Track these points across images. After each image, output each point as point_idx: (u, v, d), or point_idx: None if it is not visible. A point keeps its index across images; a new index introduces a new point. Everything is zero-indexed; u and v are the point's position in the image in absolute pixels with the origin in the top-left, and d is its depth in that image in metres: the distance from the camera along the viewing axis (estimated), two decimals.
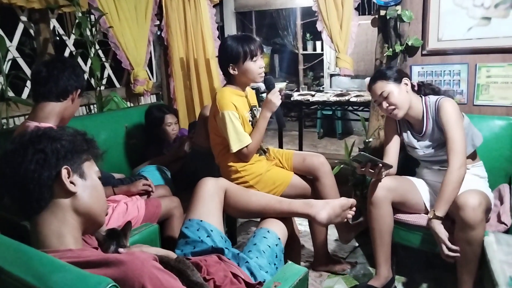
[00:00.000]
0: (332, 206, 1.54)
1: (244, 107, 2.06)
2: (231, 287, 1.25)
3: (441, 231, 1.73)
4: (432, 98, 1.95)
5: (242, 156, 2.02)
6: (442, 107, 1.87)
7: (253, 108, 2.14)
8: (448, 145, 1.82)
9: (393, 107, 1.91)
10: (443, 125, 1.85)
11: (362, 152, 1.85)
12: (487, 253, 1.57)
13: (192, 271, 1.10)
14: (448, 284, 2.04)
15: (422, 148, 1.99)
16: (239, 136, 1.96)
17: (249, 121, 2.07)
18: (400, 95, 1.91)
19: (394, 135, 2.08)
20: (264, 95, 3.49)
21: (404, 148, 2.11)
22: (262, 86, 3.54)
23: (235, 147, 1.97)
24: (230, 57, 1.99)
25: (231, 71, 2.01)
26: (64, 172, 0.96)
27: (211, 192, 1.56)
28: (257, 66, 2.00)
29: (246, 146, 1.99)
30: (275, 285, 1.12)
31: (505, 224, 1.82)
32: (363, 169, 1.86)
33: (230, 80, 2.08)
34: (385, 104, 1.93)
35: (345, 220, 1.63)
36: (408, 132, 2.05)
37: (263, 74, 2.05)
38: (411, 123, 2.03)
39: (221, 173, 2.13)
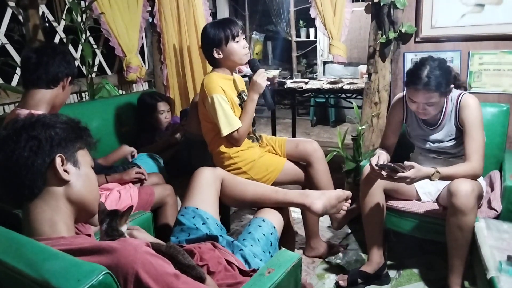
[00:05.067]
0: (328, 197, 1.54)
1: (232, 90, 2.06)
2: (225, 274, 1.25)
3: (423, 174, 1.71)
4: (454, 93, 1.88)
5: (233, 140, 2.02)
6: (468, 105, 1.82)
7: (242, 93, 2.14)
8: (469, 144, 1.79)
9: (428, 112, 1.84)
10: (465, 123, 1.82)
11: (392, 164, 1.74)
12: (477, 239, 1.59)
13: (183, 255, 1.11)
14: (439, 269, 2.07)
15: (429, 140, 1.97)
16: (229, 120, 1.97)
17: (238, 104, 2.07)
18: (441, 105, 1.85)
19: (398, 123, 2.07)
20: None
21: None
22: None
23: (225, 131, 1.97)
24: (213, 41, 2.00)
25: (216, 55, 2.02)
26: (58, 160, 0.95)
27: (208, 181, 1.56)
28: (240, 46, 2.02)
29: (237, 130, 1.99)
30: (268, 271, 1.13)
31: (496, 210, 1.85)
32: (378, 170, 1.78)
33: (216, 65, 2.09)
34: (422, 109, 1.82)
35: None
36: (417, 123, 2.00)
37: (248, 55, 2.06)
38: None
39: (214, 160, 2.13)
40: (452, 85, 1.83)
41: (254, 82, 2.03)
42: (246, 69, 2.30)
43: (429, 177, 1.73)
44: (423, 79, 1.75)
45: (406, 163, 1.74)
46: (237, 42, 2.01)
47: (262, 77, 2.03)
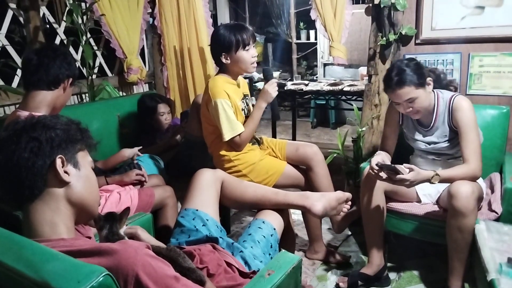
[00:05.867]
0: (328, 198, 1.54)
1: (237, 95, 2.05)
2: (224, 276, 1.25)
3: (423, 177, 1.72)
4: (445, 94, 1.91)
5: (234, 145, 2.02)
6: (461, 107, 1.83)
7: (246, 97, 2.14)
8: (466, 147, 1.79)
9: (416, 110, 1.87)
10: (460, 126, 1.82)
11: (392, 165, 1.76)
12: (478, 241, 1.58)
13: (184, 258, 1.11)
14: (440, 271, 2.07)
15: (425, 142, 1.98)
16: (231, 125, 1.96)
17: (242, 109, 2.07)
18: (426, 99, 1.86)
19: (395, 125, 2.08)
20: (257, 84, 3.49)
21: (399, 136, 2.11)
22: (255, 76, 3.53)
23: (227, 136, 1.96)
24: (223, 46, 1.97)
25: (224, 60, 2.00)
26: (58, 161, 0.95)
27: (208, 183, 1.56)
28: (249, 55, 1.99)
29: (239, 135, 1.98)
30: (268, 273, 1.12)
31: (496, 212, 1.85)
32: (377, 170, 1.79)
33: (222, 69, 2.07)
34: (408, 108, 1.86)
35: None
36: (412, 125, 2.02)
37: (255, 64, 2.05)
38: None
39: (214, 163, 2.13)
40: (430, 78, 1.86)
41: (265, 91, 2.02)
42: (248, 74, 2.31)
43: (429, 180, 1.73)
44: (393, 79, 1.83)
45: (406, 165, 1.75)
46: (247, 50, 1.98)
47: (273, 87, 2.02)
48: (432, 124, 1.94)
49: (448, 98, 1.89)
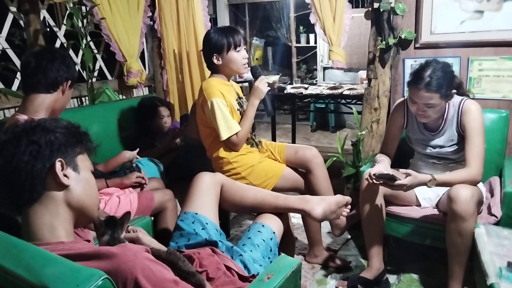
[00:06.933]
0: (328, 202, 1.54)
1: (231, 95, 2.07)
2: (224, 279, 1.25)
3: (420, 181, 1.73)
4: (455, 99, 1.90)
5: (231, 144, 2.02)
6: (469, 111, 1.83)
7: (240, 99, 2.15)
8: (469, 150, 1.79)
9: (428, 115, 1.85)
10: (466, 129, 1.82)
11: (391, 174, 1.76)
12: (477, 245, 1.58)
13: (184, 262, 1.11)
14: (439, 275, 2.06)
15: (430, 145, 1.98)
16: (228, 123, 1.97)
17: (237, 109, 2.08)
18: (442, 109, 1.85)
19: (398, 128, 2.07)
20: None
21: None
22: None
23: (224, 135, 1.97)
24: (214, 47, 2.01)
25: (215, 61, 2.03)
26: (58, 164, 0.95)
27: (207, 186, 1.56)
28: (240, 56, 2.03)
29: (236, 134, 1.99)
30: (268, 277, 1.12)
31: (495, 216, 1.84)
32: (375, 179, 1.80)
33: (214, 71, 2.10)
34: (421, 111, 1.84)
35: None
36: (418, 128, 2.01)
37: (247, 66, 2.08)
38: None
39: (213, 166, 2.13)
40: (454, 91, 1.84)
41: (255, 87, 2.05)
42: (246, 74, 2.32)
43: (425, 184, 1.73)
44: (425, 79, 1.77)
45: (402, 170, 1.75)
46: (238, 51, 2.02)
47: (264, 84, 2.05)
48: (440, 128, 1.93)
49: (458, 102, 1.88)
